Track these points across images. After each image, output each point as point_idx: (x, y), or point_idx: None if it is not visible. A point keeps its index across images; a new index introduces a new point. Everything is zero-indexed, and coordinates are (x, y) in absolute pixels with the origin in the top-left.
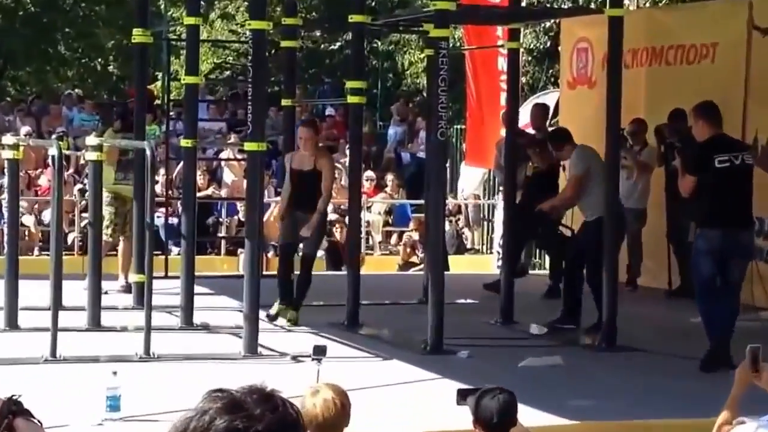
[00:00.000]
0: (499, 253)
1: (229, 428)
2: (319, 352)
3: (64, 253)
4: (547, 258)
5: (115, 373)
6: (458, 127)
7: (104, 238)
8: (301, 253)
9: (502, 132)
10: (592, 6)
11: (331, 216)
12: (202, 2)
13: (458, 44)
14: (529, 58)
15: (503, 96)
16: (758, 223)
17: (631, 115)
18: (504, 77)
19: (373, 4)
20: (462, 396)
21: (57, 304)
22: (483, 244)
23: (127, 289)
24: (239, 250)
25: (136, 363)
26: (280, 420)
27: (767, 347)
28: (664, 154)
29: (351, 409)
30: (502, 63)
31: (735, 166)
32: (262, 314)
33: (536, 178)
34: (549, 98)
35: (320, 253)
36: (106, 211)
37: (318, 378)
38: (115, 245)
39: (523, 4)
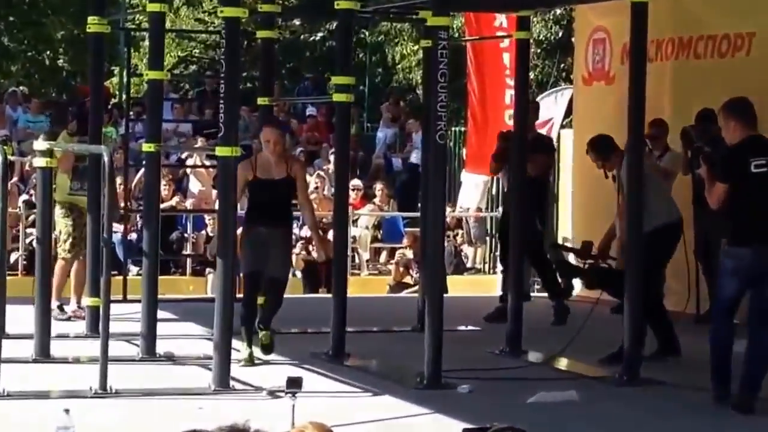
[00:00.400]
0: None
1: None
2: (294, 384)
3: (7, 273)
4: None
5: (67, 410)
6: (456, 129)
7: (62, 255)
8: (268, 278)
9: None
10: None
11: (305, 232)
12: None
13: (457, 35)
14: (539, 51)
15: (508, 94)
16: None
17: (654, 115)
18: (509, 73)
19: None
20: None
21: None
22: (485, 263)
23: (80, 314)
24: (207, 270)
25: (91, 399)
26: None
27: None
28: (690, 160)
29: None
30: (507, 58)
31: None
32: (235, 343)
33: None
34: (563, 96)
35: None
36: (62, 224)
37: (293, 415)
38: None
39: None
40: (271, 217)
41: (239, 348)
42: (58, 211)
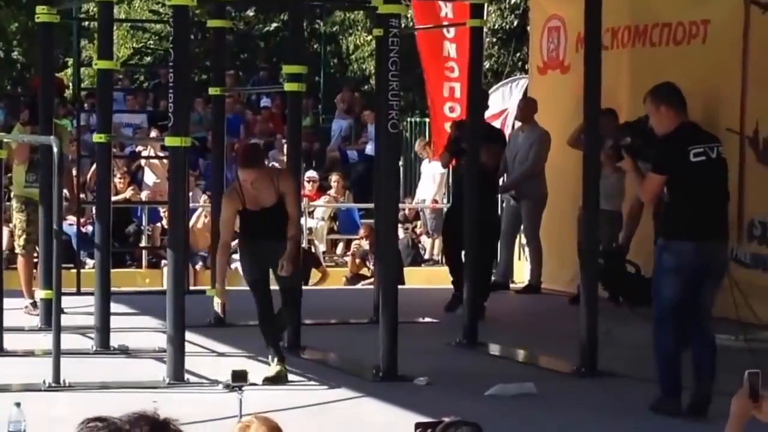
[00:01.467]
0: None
1: None
2: (239, 378)
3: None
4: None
5: (18, 404)
6: (412, 120)
7: (19, 250)
8: (280, 288)
9: (447, 126)
10: None
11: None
12: None
13: (411, 24)
14: (494, 40)
15: (447, 86)
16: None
17: (611, 104)
18: (450, 64)
19: None
20: (420, 430)
21: None
22: (442, 255)
23: (33, 308)
24: (163, 263)
25: (44, 392)
26: None
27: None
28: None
29: None
30: (449, 48)
31: (712, 160)
32: (189, 336)
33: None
34: (518, 86)
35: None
36: (17, 219)
37: (240, 409)
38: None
39: None
40: (270, 236)
41: (268, 362)
42: (14, 205)
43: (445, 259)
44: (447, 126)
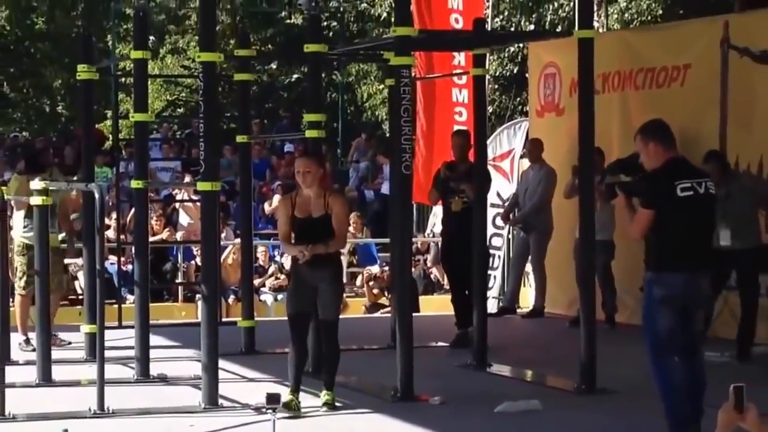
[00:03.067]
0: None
1: None
2: (273, 400)
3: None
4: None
5: (66, 430)
6: None
7: (19, 291)
8: (319, 321)
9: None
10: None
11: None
12: (151, 37)
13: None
14: (496, 86)
15: (456, 129)
16: None
17: (603, 144)
18: (459, 109)
19: (330, 34)
20: None
21: (3, 359)
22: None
23: (26, 344)
24: (197, 297)
25: (90, 419)
26: None
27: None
28: (606, 192)
29: None
30: (457, 94)
31: (699, 195)
32: (222, 363)
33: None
34: (521, 128)
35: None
36: (18, 261)
37: (274, 430)
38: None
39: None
40: (315, 264)
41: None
42: (15, 249)
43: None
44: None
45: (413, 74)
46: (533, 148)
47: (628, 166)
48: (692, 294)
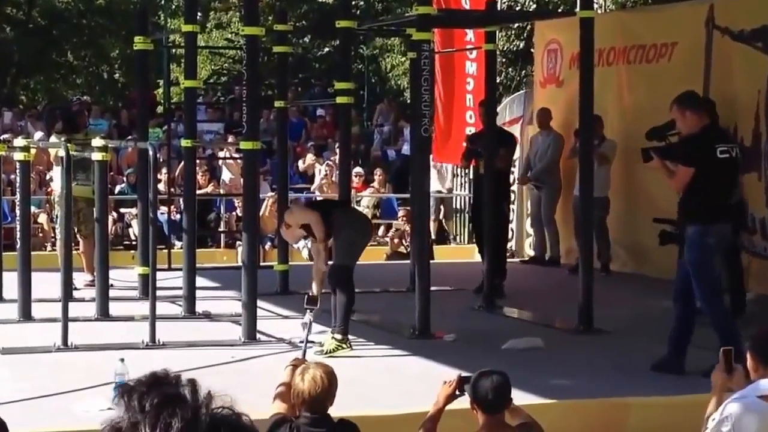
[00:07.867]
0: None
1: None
2: (312, 302)
3: (73, 248)
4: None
5: (122, 359)
6: None
7: (79, 236)
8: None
9: (468, 130)
10: (560, 10)
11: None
12: (198, 13)
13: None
14: (503, 60)
15: (468, 97)
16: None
17: (600, 111)
18: (470, 80)
19: (358, 12)
20: (464, 382)
21: (67, 296)
22: (458, 235)
23: (92, 284)
24: (237, 243)
25: (143, 350)
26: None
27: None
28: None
29: (337, 387)
30: (469, 66)
31: (733, 158)
32: (260, 303)
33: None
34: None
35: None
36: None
37: (309, 330)
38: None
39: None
40: None
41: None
42: (56, 200)
43: (478, 249)
44: (467, 130)
45: (432, 48)
46: (542, 115)
47: (660, 132)
48: (730, 242)
